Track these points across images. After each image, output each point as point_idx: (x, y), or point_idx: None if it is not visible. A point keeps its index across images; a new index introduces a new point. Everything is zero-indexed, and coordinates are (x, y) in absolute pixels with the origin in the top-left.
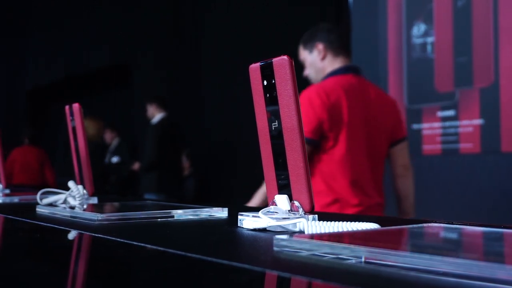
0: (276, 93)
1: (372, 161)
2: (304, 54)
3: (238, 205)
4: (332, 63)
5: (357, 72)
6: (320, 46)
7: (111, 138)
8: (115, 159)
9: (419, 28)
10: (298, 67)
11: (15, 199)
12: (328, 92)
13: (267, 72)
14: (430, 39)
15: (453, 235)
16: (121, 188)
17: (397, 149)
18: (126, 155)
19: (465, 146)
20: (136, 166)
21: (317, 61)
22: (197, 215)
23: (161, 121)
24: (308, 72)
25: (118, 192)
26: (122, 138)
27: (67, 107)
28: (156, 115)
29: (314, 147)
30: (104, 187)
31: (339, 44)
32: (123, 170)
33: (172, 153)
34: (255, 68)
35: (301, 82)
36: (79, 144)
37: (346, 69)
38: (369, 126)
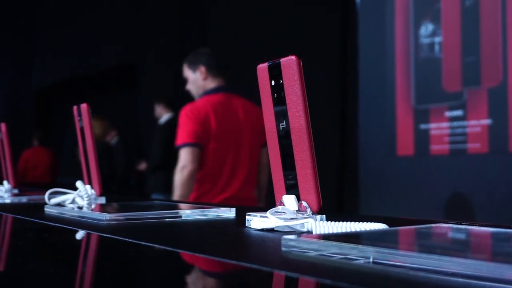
0: (284, 93)
1: (240, 160)
2: (188, 73)
3: (245, 205)
4: (210, 83)
5: (226, 91)
6: (203, 68)
7: (110, 136)
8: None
9: (426, 28)
10: (306, 67)
11: (24, 199)
12: (199, 109)
13: (275, 72)
14: (437, 39)
15: (461, 236)
16: (127, 189)
17: (263, 150)
18: (122, 155)
19: (473, 146)
20: (142, 166)
21: (199, 80)
22: (204, 215)
23: (168, 122)
24: (190, 88)
25: (125, 192)
26: (122, 138)
27: (75, 107)
28: (164, 115)
29: (200, 150)
30: (111, 187)
31: (217, 68)
32: (118, 169)
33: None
34: (263, 68)
35: (309, 82)
36: (87, 144)
37: (218, 89)
38: (236, 133)
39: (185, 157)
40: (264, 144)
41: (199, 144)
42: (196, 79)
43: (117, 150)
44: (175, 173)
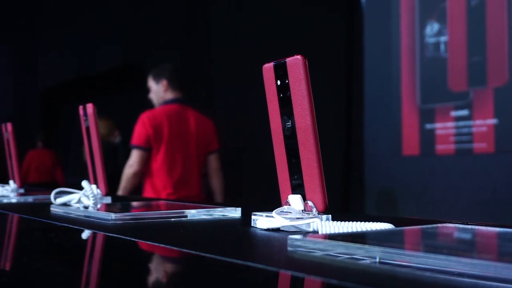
0: (289, 93)
1: (189, 165)
2: (152, 84)
3: (251, 205)
4: (169, 95)
5: (181, 102)
6: (165, 82)
7: (114, 137)
8: None
9: (432, 27)
10: (311, 67)
11: (29, 199)
12: (155, 116)
13: (281, 72)
14: (443, 38)
15: (468, 236)
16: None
17: (211, 158)
18: (124, 155)
19: (479, 146)
20: None
21: (161, 92)
22: (210, 214)
23: None
24: (152, 97)
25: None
26: (126, 138)
27: (81, 107)
28: None
29: (148, 153)
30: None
31: (177, 82)
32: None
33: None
34: (268, 68)
35: (314, 81)
36: (93, 144)
37: (174, 100)
38: (186, 140)
39: (134, 157)
40: (212, 152)
41: (148, 148)
42: (158, 90)
43: (120, 150)
44: (125, 167)
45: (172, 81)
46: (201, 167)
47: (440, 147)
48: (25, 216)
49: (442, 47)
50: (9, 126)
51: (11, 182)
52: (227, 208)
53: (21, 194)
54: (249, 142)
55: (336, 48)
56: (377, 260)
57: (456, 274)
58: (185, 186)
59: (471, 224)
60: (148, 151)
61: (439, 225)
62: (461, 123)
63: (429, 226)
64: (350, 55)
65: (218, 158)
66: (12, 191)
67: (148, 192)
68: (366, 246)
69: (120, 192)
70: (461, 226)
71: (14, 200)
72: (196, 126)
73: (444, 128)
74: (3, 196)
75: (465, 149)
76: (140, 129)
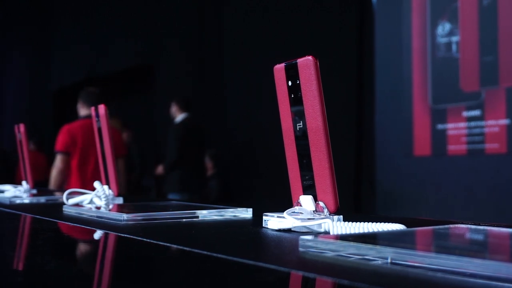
0: (300, 94)
1: (98, 165)
2: (78, 104)
3: (262, 206)
4: (83, 112)
5: (90, 118)
6: (81, 102)
7: (125, 137)
8: None
9: (443, 27)
10: (322, 67)
11: (42, 199)
12: (74, 128)
13: (292, 73)
14: (455, 38)
15: (480, 236)
16: (140, 189)
17: (118, 161)
18: (135, 155)
19: (491, 147)
20: (160, 169)
21: (80, 109)
22: (221, 215)
23: (183, 121)
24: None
25: (141, 192)
26: (141, 138)
27: (92, 108)
28: (178, 115)
29: (67, 156)
30: (128, 187)
31: (91, 103)
32: (136, 170)
33: (194, 153)
34: (279, 68)
35: (325, 82)
36: (105, 145)
37: (86, 117)
38: (95, 146)
39: (58, 160)
40: (119, 156)
41: (67, 152)
42: (79, 109)
43: (131, 151)
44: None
45: (85, 102)
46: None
47: (452, 148)
48: (37, 216)
49: (453, 47)
50: (21, 127)
51: (23, 182)
52: (238, 209)
53: (33, 195)
54: (260, 143)
55: (347, 49)
56: (389, 260)
57: (468, 275)
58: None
59: (484, 225)
60: (67, 154)
61: (451, 225)
62: (473, 124)
63: (441, 226)
64: (361, 55)
65: (124, 161)
66: (25, 191)
67: (71, 185)
68: (378, 247)
69: (51, 187)
70: (473, 226)
71: (27, 201)
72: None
73: (456, 128)
74: (16, 196)
75: (477, 150)
76: (63, 137)
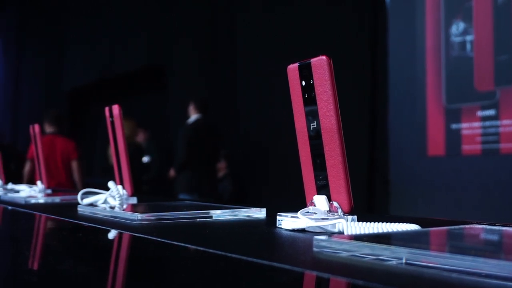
0: (314, 94)
1: (56, 166)
2: (44, 123)
3: (276, 206)
4: (48, 129)
5: (53, 133)
6: (46, 122)
7: (143, 138)
8: (145, 159)
9: (458, 27)
10: (335, 67)
11: (57, 199)
12: (43, 141)
13: (306, 73)
14: (469, 37)
15: (495, 237)
16: (155, 188)
17: (72, 162)
18: (156, 155)
19: (506, 146)
20: (172, 173)
21: (46, 127)
22: (235, 215)
23: (195, 122)
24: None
25: (153, 192)
26: (154, 139)
27: (106, 108)
28: (192, 116)
29: (33, 162)
30: (141, 188)
31: (53, 122)
32: (153, 170)
33: (205, 154)
34: (293, 68)
35: (339, 82)
36: (119, 145)
37: (51, 133)
38: (55, 154)
39: (28, 165)
40: (73, 159)
41: (32, 159)
42: (44, 127)
43: (150, 152)
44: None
45: (49, 121)
46: (66, 167)
47: (466, 148)
48: (52, 216)
49: (468, 46)
50: (36, 127)
51: (38, 182)
52: (252, 209)
53: (48, 195)
54: (273, 143)
55: (361, 48)
56: (403, 261)
57: (483, 275)
58: (55, 177)
59: (499, 225)
60: (33, 161)
61: (466, 226)
62: (487, 123)
63: (455, 227)
64: (375, 55)
65: (78, 163)
66: (40, 191)
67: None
68: (392, 247)
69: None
70: (488, 227)
71: (41, 201)
72: (60, 146)
73: (470, 128)
74: (31, 196)
75: (491, 150)
76: (31, 148)
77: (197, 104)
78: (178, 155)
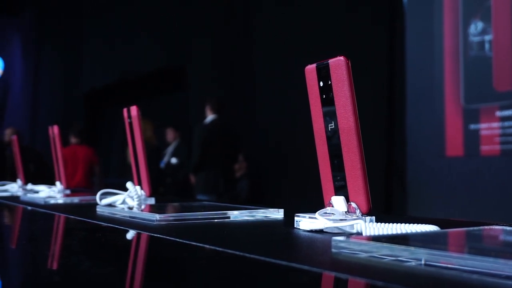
0: (332, 94)
1: (79, 170)
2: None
3: (293, 206)
4: (74, 140)
5: (76, 143)
6: (73, 135)
7: (172, 138)
8: (174, 160)
9: (476, 26)
10: (353, 68)
11: (75, 200)
12: (67, 151)
13: (324, 73)
14: (488, 37)
15: None
16: (175, 190)
17: (96, 168)
18: (184, 157)
19: None
20: (193, 179)
21: (71, 138)
22: (253, 216)
23: (211, 123)
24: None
25: (172, 193)
26: (183, 140)
27: (125, 109)
28: (209, 116)
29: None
30: (158, 189)
31: (80, 135)
32: (180, 172)
33: (221, 154)
34: (311, 69)
35: (356, 83)
36: (137, 146)
37: (74, 144)
38: (77, 161)
39: None
40: (94, 163)
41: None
42: (70, 138)
43: (178, 153)
44: None
45: (74, 134)
46: (87, 172)
47: (485, 148)
48: (71, 216)
49: (486, 46)
50: (55, 128)
51: (57, 183)
52: (270, 210)
53: (67, 195)
54: (291, 143)
55: (378, 48)
56: (423, 262)
57: (504, 277)
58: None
59: None
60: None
61: (485, 227)
62: (506, 124)
63: (475, 228)
64: (393, 56)
65: (99, 166)
66: (59, 192)
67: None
68: (412, 248)
69: None
70: (508, 228)
71: (60, 201)
72: (82, 154)
73: (489, 128)
74: (50, 197)
75: (511, 150)
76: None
77: (212, 104)
78: (193, 156)
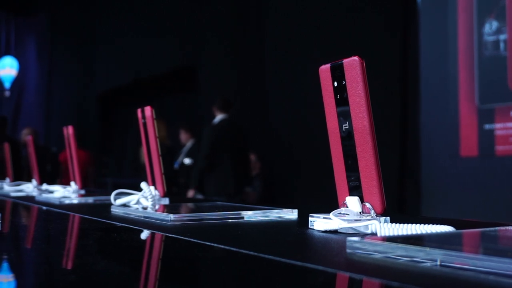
0: (346, 94)
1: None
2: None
3: (307, 207)
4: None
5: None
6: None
7: (186, 139)
8: (187, 161)
9: (491, 26)
10: (367, 67)
11: (90, 200)
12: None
13: (338, 73)
14: (502, 37)
15: None
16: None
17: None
18: (197, 157)
19: None
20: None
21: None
22: (266, 216)
23: (219, 123)
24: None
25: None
26: (198, 140)
27: (139, 110)
28: (217, 116)
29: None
30: (171, 189)
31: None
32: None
33: (231, 154)
34: (325, 69)
35: (370, 82)
36: (151, 146)
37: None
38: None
39: None
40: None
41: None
42: None
43: (192, 154)
44: None
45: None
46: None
47: (500, 148)
48: (86, 216)
49: (501, 45)
50: (70, 129)
51: (72, 183)
52: (284, 210)
53: (82, 195)
54: (305, 143)
55: (392, 48)
56: (438, 263)
57: None
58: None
59: None
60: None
61: (501, 228)
62: None
63: (490, 229)
64: (406, 55)
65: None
66: (74, 192)
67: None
68: (427, 249)
69: None
70: None
71: (75, 201)
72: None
73: (504, 128)
74: (65, 197)
75: None
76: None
77: (219, 104)
78: (199, 159)
